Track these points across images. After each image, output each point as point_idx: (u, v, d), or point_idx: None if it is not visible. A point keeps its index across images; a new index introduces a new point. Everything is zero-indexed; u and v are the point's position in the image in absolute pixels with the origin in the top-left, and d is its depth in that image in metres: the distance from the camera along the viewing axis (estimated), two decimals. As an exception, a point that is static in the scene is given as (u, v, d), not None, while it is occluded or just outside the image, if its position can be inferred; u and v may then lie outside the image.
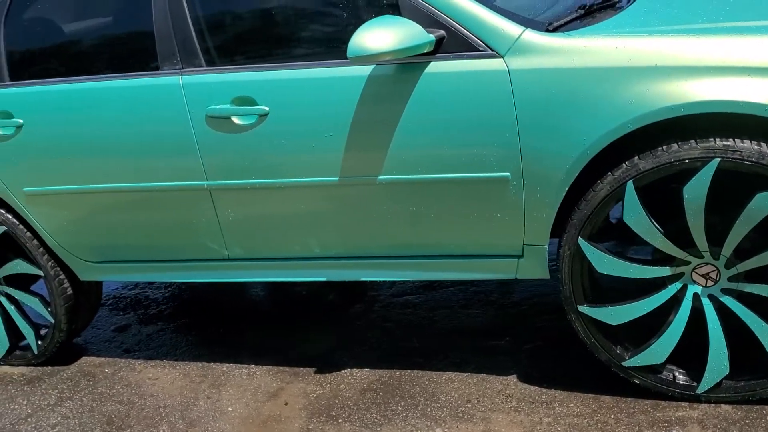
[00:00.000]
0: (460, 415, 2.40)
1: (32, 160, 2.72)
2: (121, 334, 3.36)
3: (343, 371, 2.75)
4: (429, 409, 2.45)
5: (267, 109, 2.35)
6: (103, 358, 3.16)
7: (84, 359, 3.18)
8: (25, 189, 2.78)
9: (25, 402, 2.92)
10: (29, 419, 2.80)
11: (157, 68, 2.52)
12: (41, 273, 2.94)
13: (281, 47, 2.42)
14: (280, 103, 2.34)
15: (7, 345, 3.16)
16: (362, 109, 2.25)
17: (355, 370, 2.75)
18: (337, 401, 2.59)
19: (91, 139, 2.62)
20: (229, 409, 2.66)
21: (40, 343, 3.09)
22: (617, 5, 2.39)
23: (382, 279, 2.54)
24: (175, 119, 2.48)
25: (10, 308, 3.10)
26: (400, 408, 2.49)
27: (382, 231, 2.41)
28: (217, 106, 2.41)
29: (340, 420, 2.48)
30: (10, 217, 2.88)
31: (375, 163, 2.29)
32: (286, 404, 2.63)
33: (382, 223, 2.40)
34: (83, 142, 2.63)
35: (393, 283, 3.36)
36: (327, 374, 2.76)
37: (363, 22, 2.15)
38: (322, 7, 2.41)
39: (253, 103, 2.37)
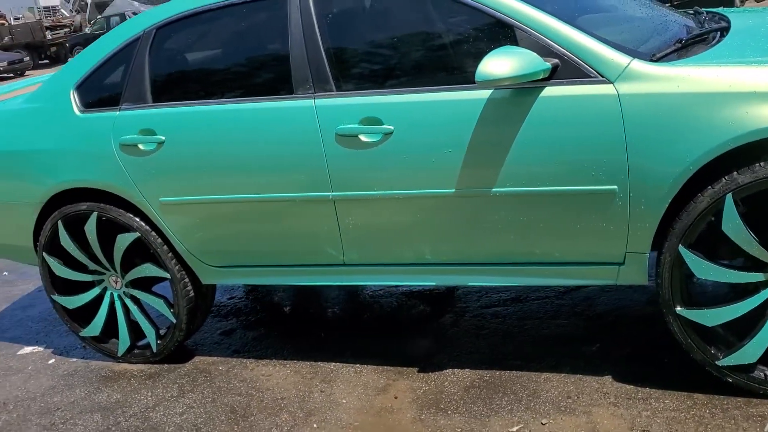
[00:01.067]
0: (563, 408, 2.62)
1: (170, 172, 3.04)
2: (228, 337, 3.63)
3: (445, 371, 2.99)
4: (532, 404, 2.68)
5: (392, 128, 2.65)
6: (215, 358, 3.43)
7: (197, 358, 3.45)
8: (161, 199, 3.09)
9: (149, 394, 3.20)
10: (157, 408, 3.07)
11: (290, 92, 2.84)
12: (168, 276, 3.24)
13: (403, 74, 2.72)
14: (404, 122, 2.64)
15: (128, 343, 3.45)
16: (480, 129, 2.53)
17: (456, 371, 2.98)
18: (443, 396, 2.82)
19: (226, 154, 2.93)
20: (343, 401, 2.90)
21: (159, 342, 3.38)
22: (708, 41, 2.66)
23: (487, 284, 2.79)
24: (308, 137, 2.78)
25: (134, 309, 3.40)
26: (504, 402, 2.72)
27: (492, 239, 2.67)
28: (347, 126, 2.71)
29: (449, 412, 2.72)
30: (143, 224, 3.20)
31: (490, 177, 2.56)
32: (395, 398, 2.86)
33: (493, 232, 2.66)
34: (219, 157, 2.94)
35: (481, 295, 3.60)
36: (430, 373, 2.99)
37: (481, 51, 2.47)
38: (441, 37, 2.71)
39: (379, 123, 2.66)
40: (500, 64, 2.36)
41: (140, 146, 3.07)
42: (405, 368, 3.06)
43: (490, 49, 2.46)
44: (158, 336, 3.39)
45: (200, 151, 2.97)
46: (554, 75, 2.45)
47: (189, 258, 3.20)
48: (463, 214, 2.67)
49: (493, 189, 2.57)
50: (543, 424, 2.56)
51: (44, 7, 34.73)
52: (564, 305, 3.38)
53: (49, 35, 29.53)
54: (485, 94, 2.53)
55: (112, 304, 3.47)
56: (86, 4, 34.62)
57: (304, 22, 2.81)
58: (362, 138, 2.70)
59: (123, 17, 26.58)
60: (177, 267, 3.23)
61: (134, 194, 3.13)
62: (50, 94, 3.32)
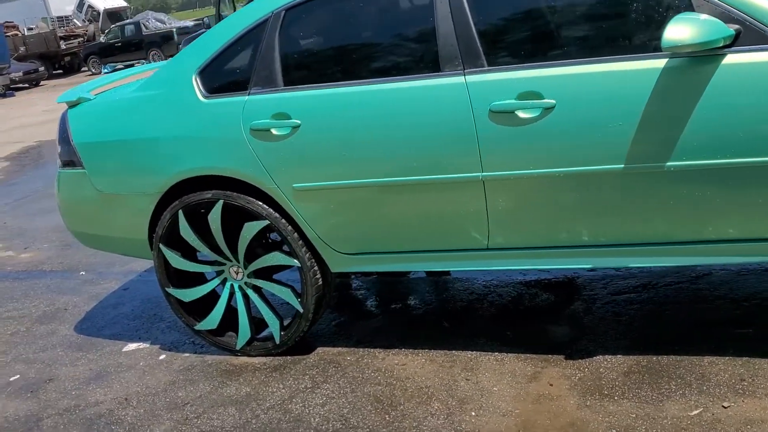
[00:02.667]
0: (740, 391, 2.52)
1: (306, 157, 2.95)
2: (346, 327, 3.54)
3: (595, 357, 2.89)
4: (704, 387, 2.58)
5: (554, 102, 2.55)
6: (339, 348, 3.33)
7: (320, 349, 3.35)
8: (295, 185, 3.00)
9: (280, 386, 3.10)
10: (294, 400, 2.97)
11: (437, 70, 2.75)
12: (297, 264, 3.14)
13: (564, 45, 2.64)
14: (568, 96, 2.54)
15: (248, 335, 3.36)
16: (654, 100, 2.44)
17: (608, 357, 2.88)
18: (603, 382, 2.72)
19: (367, 137, 2.84)
20: (494, 389, 2.80)
21: (283, 333, 3.29)
22: None
23: (651, 265, 2.69)
24: (457, 116, 2.69)
25: (257, 299, 3.30)
26: (673, 387, 2.62)
27: (660, 217, 2.57)
28: (503, 102, 2.62)
29: (616, 397, 2.62)
30: (273, 212, 3.10)
31: (664, 150, 2.47)
32: (551, 385, 2.76)
33: (662, 208, 2.56)
34: (359, 140, 2.85)
35: (606, 283, 3.50)
36: (579, 360, 2.89)
37: (651, 19, 2.38)
38: (605, 5, 2.61)
39: (539, 97, 2.57)
40: (684, 30, 2.28)
41: (273, 131, 2.98)
42: (549, 356, 2.97)
43: (660, 18, 2.37)
44: (282, 327, 3.29)
45: (339, 135, 2.88)
46: (735, 42, 2.35)
47: (320, 245, 3.10)
48: (631, 190, 2.57)
49: (667, 163, 2.48)
50: (725, 407, 2.46)
51: (57, 17, 34.78)
52: (701, 290, 3.28)
53: (63, 45, 29.53)
54: (659, 63, 2.43)
55: (231, 295, 3.37)
56: (98, 14, 34.68)
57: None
58: (520, 114, 2.60)
59: (138, 26, 26.62)
60: (308, 255, 3.14)
61: (265, 181, 3.04)
62: (169, 81, 3.24)
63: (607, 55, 2.53)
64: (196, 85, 3.15)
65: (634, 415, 2.50)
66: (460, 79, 2.70)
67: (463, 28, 2.70)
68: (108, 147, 3.34)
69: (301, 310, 3.21)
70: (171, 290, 3.42)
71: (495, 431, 2.56)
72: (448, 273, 3.94)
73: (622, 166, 2.53)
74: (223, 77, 3.14)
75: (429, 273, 4.00)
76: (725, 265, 3.40)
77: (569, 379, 2.78)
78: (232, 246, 3.24)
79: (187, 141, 3.13)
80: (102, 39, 28.12)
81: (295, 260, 3.14)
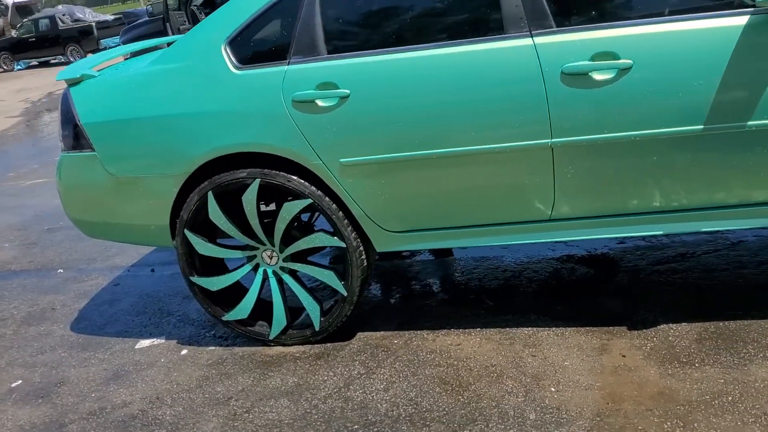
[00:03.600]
0: (822, 350, 2.51)
1: (355, 130, 2.77)
2: (382, 312, 3.38)
3: (660, 327, 2.84)
4: (784, 349, 2.56)
5: (631, 62, 2.47)
6: (381, 332, 3.18)
7: (361, 335, 3.19)
8: (342, 160, 2.82)
9: (331, 374, 2.92)
10: (351, 387, 2.80)
11: (500, 32, 2.62)
12: (343, 245, 2.96)
13: (640, 3, 2.56)
14: (645, 55, 2.47)
15: (284, 323, 3.16)
16: (738, 57, 2.39)
17: (672, 325, 2.83)
18: (677, 350, 2.67)
19: (423, 106, 2.69)
20: (566, 363, 2.71)
21: (323, 319, 3.10)
22: None
23: (725, 228, 2.64)
24: (526, 81, 2.58)
25: (294, 284, 3.10)
26: (751, 351, 2.59)
27: (739, 178, 2.53)
28: (575, 64, 2.52)
29: (696, 364, 2.57)
30: (315, 189, 2.91)
31: (745, 109, 2.42)
32: (623, 356, 2.69)
33: (741, 170, 2.51)
34: (414, 109, 2.70)
35: (642, 254, 3.47)
36: (644, 330, 2.83)
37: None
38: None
39: (615, 57, 2.49)
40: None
41: (319, 102, 2.79)
42: (610, 328, 2.90)
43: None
44: (323, 312, 3.10)
45: (392, 105, 2.72)
46: (819, -2, 2.33)
47: (367, 224, 2.93)
48: (709, 152, 2.52)
49: (749, 122, 2.44)
50: (813, 367, 2.44)
51: (-38, 13, 32.80)
52: (743, 255, 3.29)
53: (-30, 41, 27.86)
54: (740, 20, 2.39)
55: (263, 282, 3.16)
56: (6, 7, 32.90)
57: None
58: (595, 76, 2.51)
59: (53, 20, 25.38)
60: (353, 234, 2.96)
61: (309, 156, 2.85)
62: (195, 52, 2.99)
63: (685, 13, 2.46)
64: (227, 55, 2.92)
65: (722, 381, 2.46)
66: (527, 41, 2.58)
67: (528, -12, 2.59)
68: (123, 126, 3.07)
69: (345, 294, 3.03)
70: (196, 279, 3.18)
71: (582, 405, 2.46)
72: (450, 253, 3.85)
73: (701, 127, 2.48)
74: (257, 46, 2.92)
75: (434, 253, 3.89)
76: (759, 230, 3.42)
77: (641, 350, 2.71)
78: (266, 229, 3.03)
79: (219, 116, 2.90)
80: (13, 34, 26.68)
81: (340, 240, 2.96)
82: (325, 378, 2.89)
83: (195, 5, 10.02)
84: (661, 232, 2.72)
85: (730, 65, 2.40)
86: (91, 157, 3.15)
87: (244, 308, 3.17)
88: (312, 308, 3.09)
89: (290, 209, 2.96)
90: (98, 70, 3.28)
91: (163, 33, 9.93)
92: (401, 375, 2.81)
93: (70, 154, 3.23)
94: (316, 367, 2.99)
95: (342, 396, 2.75)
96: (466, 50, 2.65)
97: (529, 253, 3.72)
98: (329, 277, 3.04)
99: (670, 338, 2.75)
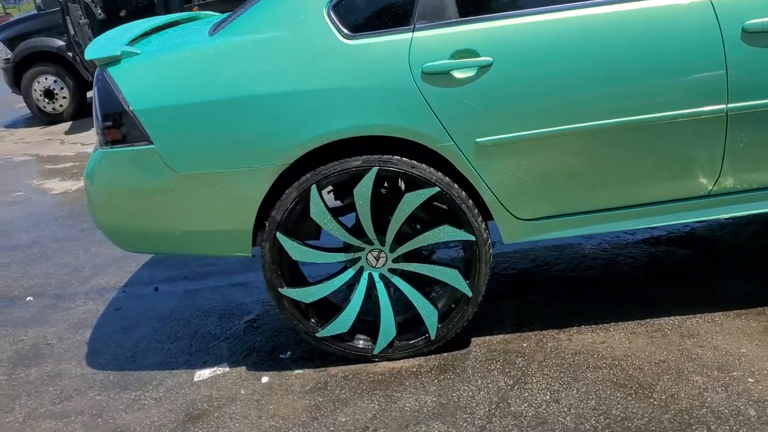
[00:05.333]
0: None
1: (498, 103, 2.41)
2: (486, 311, 3.00)
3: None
4: None
5: (819, 17, 2.28)
6: (501, 336, 2.81)
7: (476, 340, 2.81)
8: (478, 139, 2.44)
9: (472, 388, 2.52)
10: (509, 401, 2.42)
11: (666, -12, 2.35)
12: (472, 238, 2.58)
13: None
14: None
15: (393, 334, 2.72)
16: None
17: (825, 300, 2.68)
18: None
19: (578, 72, 2.37)
20: (743, 351, 2.50)
21: (440, 325, 2.70)
22: None
23: None
24: (698, 39, 2.33)
25: (407, 288, 2.67)
26: None
27: None
28: (760, 20, 2.30)
29: None
30: (442, 176, 2.51)
31: None
32: (800, 337, 2.50)
33: None
34: (571, 76, 2.38)
35: (733, 230, 3.33)
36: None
37: None
38: None
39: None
40: None
41: (455, 74, 2.39)
42: (760, 308, 2.71)
43: None
44: (440, 318, 2.69)
45: (542, 72, 2.38)
46: None
47: (499, 213, 2.57)
48: None
49: None
50: None
51: None
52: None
53: None
54: None
55: (369, 288, 2.71)
56: None
57: None
58: (793, 30, 2.30)
59: None
60: (483, 225, 2.58)
61: (439, 137, 2.44)
62: (287, 20, 2.49)
63: None
64: (331, 23, 2.45)
65: None
66: (710, -6, 2.33)
67: (698, -63, 2.33)
68: (193, 112, 2.51)
69: (470, 294, 2.64)
70: (287, 291, 2.67)
71: (797, 395, 2.24)
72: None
73: None
74: (370, 11, 2.48)
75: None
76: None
77: (814, 329, 2.53)
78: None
79: (329, 95, 2.43)
80: None
81: (468, 233, 2.57)
82: (470, 393, 2.49)
83: (89, -3, 9.05)
84: (829, 202, 2.55)
85: None
86: (147, 152, 2.57)
87: (345, 321, 2.70)
88: (428, 313, 2.68)
89: (412, 201, 2.53)
90: (133, 46, 2.69)
91: (53, 29, 8.87)
92: (561, 382, 2.47)
93: (113, 149, 2.62)
94: (447, 381, 2.58)
95: (507, 413, 2.37)
96: (632, 8, 2.35)
97: (605, 239, 3.48)
98: (453, 277, 2.63)
99: (834, 314, 2.59)
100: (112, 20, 9.34)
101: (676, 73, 2.35)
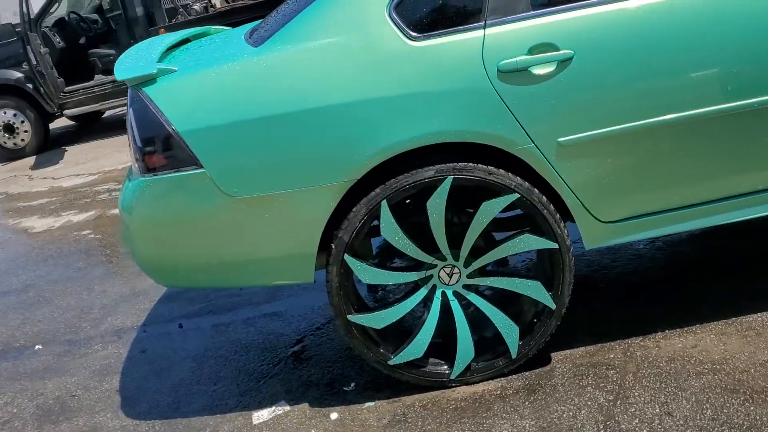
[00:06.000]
0: None
1: (580, 99, 2.25)
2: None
3: None
4: None
5: None
6: (582, 348, 2.64)
7: (557, 355, 2.63)
8: (560, 139, 2.28)
9: (570, 408, 2.34)
10: (617, 419, 2.25)
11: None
12: (555, 246, 2.41)
13: None
14: None
15: (472, 356, 2.53)
16: None
17: None
18: None
19: (666, 59, 2.23)
20: None
21: (521, 342, 2.52)
22: None
23: None
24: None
25: (485, 304, 2.48)
26: None
27: None
28: None
29: None
30: (521, 181, 2.34)
31: None
32: None
33: None
34: (655, 66, 2.24)
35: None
36: None
37: None
38: None
39: None
40: None
41: (534, 70, 2.23)
42: None
43: None
44: (521, 334, 2.51)
45: (627, 63, 2.24)
46: None
47: (581, 216, 2.40)
48: None
49: None
50: None
51: None
52: None
53: None
54: None
55: (443, 307, 2.51)
56: None
57: None
58: None
59: None
60: (566, 232, 2.42)
61: (519, 139, 2.27)
62: (346, 25, 2.30)
63: None
64: (395, 24, 2.27)
65: None
66: (790, -24, 2.21)
67: None
68: (247, 129, 2.30)
69: (554, 307, 2.47)
70: (356, 317, 2.46)
71: None
72: None
73: None
74: (435, 9, 2.30)
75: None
76: None
77: None
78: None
79: (398, 102, 2.24)
80: None
81: (551, 241, 2.40)
82: (570, 413, 2.31)
83: (47, 27, 8.70)
84: None
85: None
86: (196, 177, 2.34)
87: (419, 345, 2.50)
88: (509, 331, 2.49)
89: (490, 210, 2.36)
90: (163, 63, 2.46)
91: (9, 60, 8.46)
92: (667, 393, 2.31)
93: (156, 177, 2.37)
94: (540, 403, 2.40)
95: (619, 431, 2.19)
96: (711, -8, 2.22)
97: (659, 237, 3.35)
98: (536, 290, 2.46)
99: None
100: (71, 48, 8.99)
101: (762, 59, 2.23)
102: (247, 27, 3.06)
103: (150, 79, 2.39)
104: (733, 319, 2.61)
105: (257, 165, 2.31)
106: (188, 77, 2.37)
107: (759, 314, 2.61)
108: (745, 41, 2.21)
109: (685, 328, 2.62)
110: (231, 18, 7.57)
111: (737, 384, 2.28)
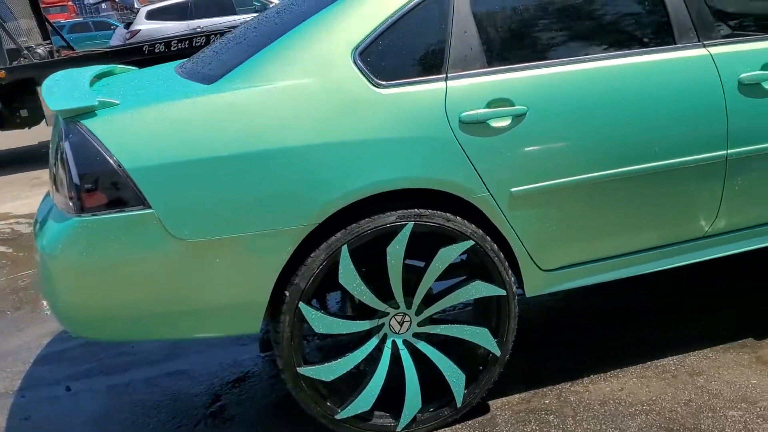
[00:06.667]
0: None
1: (531, 152, 2.38)
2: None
3: (782, 332, 2.92)
4: None
5: (799, 71, 2.56)
6: (518, 395, 2.71)
7: (494, 403, 2.67)
8: (513, 189, 2.38)
9: (520, 452, 2.39)
10: (569, 460, 2.32)
11: (672, 43, 2.52)
12: (503, 292, 2.48)
13: None
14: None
15: (419, 406, 2.50)
16: None
17: (793, 328, 2.94)
18: (829, 348, 2.77)
19: (602, 121, 2.43)
20: (753, 382, 2.63)
21: (466, 390, 2.54)
22: None
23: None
24: (705, 91, 2.50)
25: (434, 353, 2.49)
26: None
27: None
28: (750, 73, 2.53)
29: None
30: (476, 228, 2.40)
31: None
32: (793, 364, 2.70)
33: None
34: (593, 125, 2.43)
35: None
36: (773, 337, 2.89)
37: None
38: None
39: (785, 66, 2.55)
40: None
41: (492, 123, 2.34)
42: (743, 341, 2.90)
43: None
44: (467, 383, 2.54)
45: (572, 121, 2.41)
46: None
47: (526, 264, 2.51)
48: None
49: None
50: None
51: None
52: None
53: None
54: None
55: (393, 356, 2.48)
56: None
57: None
58: (766, 85, 2.54)
59: None
60: (513, 279, 2.50)
61: (475, 188, 2.35)
62: (309, 67, 2.28)
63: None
64: (360, 70, 2.29)
65: None
66: (703, 51, 2.51)
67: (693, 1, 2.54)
68: (203, 169, 2.18)
69: (499, 353, 2.53)
70: (306, 370, 2.36)
71: (827, 416, 2.39)
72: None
73: None
74: (399, 59, 2.34)
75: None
76: None
77: (799, 355, 2.75)
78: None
79: (364, 147, 2.25)
80: None
81: (500, 288, 2.47)
82: (524, 459, 2.35)
83: None
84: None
85: None
86: (142, 218, 2.18)
87: (368, 397, 2.44)
88: (456, 379, 2.51)
89: (447, 256, 2.39)
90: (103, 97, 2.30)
91: None
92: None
93: (95, 217, 2.18)
94: (491, 450, 2.42)
95: (576, 472, 2.26)
96: (642, 61, 2.47)
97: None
98: (483, 337, 2.51)
99: (807, 340, 2.84)
100: None
101: (688, 122, 2.49)
102: (172, 65, 2.93)
103: (88, 112, 2.21)
104: (649, 363, 2.81)
105: (212, 206, 2.19)
106: (135, 112, 2.22)
107: (670, 358, 2.82)
108: (662, 113, 2.45)
109: (608, 373, 2.77)
110: (80, 63, 7.19)
111: (670, 422, 2.44)
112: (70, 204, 2.20)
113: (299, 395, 2.40)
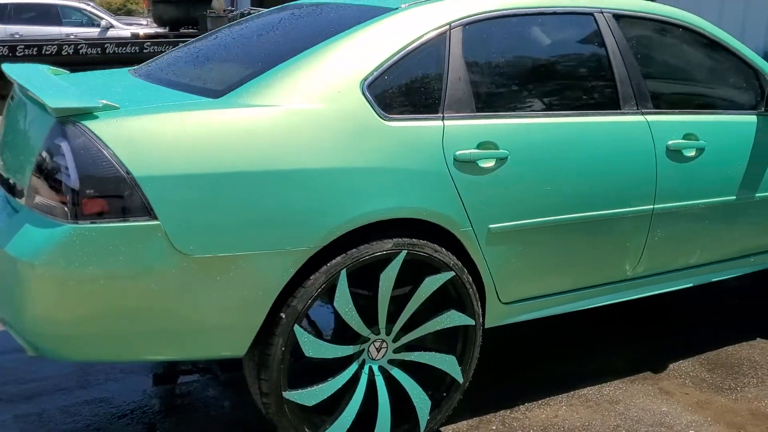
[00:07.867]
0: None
1: (508, 194, 2.59)
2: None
3: (672, 366, 3.35)
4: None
5: (705, 144, 3.03)
6: (465, 422, 2.84)
7: (445, 430, 2.81)
8: (491, 225, 2.57)
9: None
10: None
11: (617, 108, 2.88)
12: (472, 322, 2.63)
13: (712, 97, 3.20)
14: (715, 139, 3.07)
15: (387, 431, 2.57)
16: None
17: (680, 362, 3.37)
18: (704, 376, 3.22)
19: (564, 170, 2.71)
20: (664, 409, 2.98)
21: (430, 417, 2.65)
22: None
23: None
24: (641, 152, 2.89)
25: (406, 379, 2.57)
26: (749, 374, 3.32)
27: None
28: (675, 141, 2.96)
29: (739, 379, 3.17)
30: (457, 260, 2.55)
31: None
32: (686, 393, 3.11)
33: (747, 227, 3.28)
34: (557, 173, 2.69)
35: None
36: (668, 370, 3.30)
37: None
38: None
39: (696, 138, 3.01)
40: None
41: (480, 163, 2.53)
42: (645, 374, 3.26)
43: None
44: (431, 408, 2.64)
45: (545, 168, 2.67)
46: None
47: (490, 296, 2.69)
48: (736, 217, 3.21)
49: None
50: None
51: None
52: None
53: None
54: None
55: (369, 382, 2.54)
56: None
57: (618, 43, 2.91)
58: (685, 152, 2.98)
59: None
60: (480, 310, 2.67)
61: (461, 222, 2.51)
62: (321, 93, 2.32)
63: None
64: (368, 101, 2.38)
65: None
66: (641, 118, 2.90)
67: (634, 73, 2.93)
68: (216, 183, 2.14)
69: (461, 381, 2.68)
70: (291, 394, 2.35)
71: (733, 438, 2.80)
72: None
73: (734, 198, 3.16)
74: (403, 96, 2.46)
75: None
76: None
77: (692, 384, 3.17)
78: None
79: (371, 174, 2.33)
80: None
81: (470, 318, 2.63)
82: (492, 480, 2.50)
83: None
84: (709, 280, 3.28)
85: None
86: (147, 229, 2.08)
87: (344, 422, 2.47)
88: (423, 405, 2.61)
89: (430, 285, 2.51)
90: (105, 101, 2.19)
91: None
92: (558, 455, 2.64)
93: (95, 225, 2.05)
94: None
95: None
96: (597, 122, 2.80)
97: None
98: (450, 364, 2.64)
99: (689, 369, 3.28)
100: None
101: (628, 179, 2.85)
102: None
103: (89, 114, 2.09)
104: (573, 392, 3.08)
105: (220, 222, 2.14)
106: (143, 118, 2.13)
107: (590, 388, 3.12)
108: (608, 167, 2.79)
109: (540, 401, 3.01)
110: None
111: (603, 444, 2.71)
112: (65, 209, 2.04)
113: (280, 421, 2.36)
